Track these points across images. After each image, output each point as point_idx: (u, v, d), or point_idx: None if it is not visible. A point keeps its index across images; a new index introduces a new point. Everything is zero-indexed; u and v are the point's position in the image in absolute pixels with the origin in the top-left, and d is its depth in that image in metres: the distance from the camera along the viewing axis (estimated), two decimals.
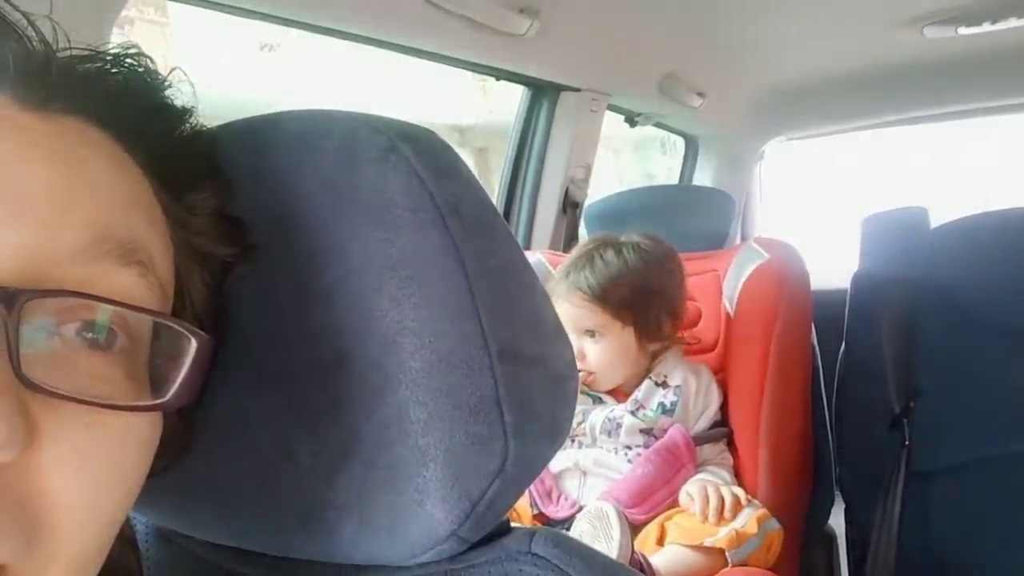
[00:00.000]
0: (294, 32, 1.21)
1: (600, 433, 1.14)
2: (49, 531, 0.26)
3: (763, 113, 2.23)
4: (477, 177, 0.39)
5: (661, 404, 1.16)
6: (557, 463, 1.14)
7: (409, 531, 0.35)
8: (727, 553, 1.00)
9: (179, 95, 0.35)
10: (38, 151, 0.27)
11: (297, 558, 0.38)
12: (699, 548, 1.00)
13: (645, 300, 1.16)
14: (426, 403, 0.33)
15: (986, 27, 1.59)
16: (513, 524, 0.41)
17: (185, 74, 0.35)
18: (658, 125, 2.15)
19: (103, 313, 0.28)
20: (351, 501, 0.35)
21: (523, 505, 1.12)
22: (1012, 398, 1.13)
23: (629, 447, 1.13)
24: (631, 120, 2.01)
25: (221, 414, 0.37)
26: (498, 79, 1.63)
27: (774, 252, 1.29)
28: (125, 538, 0.37)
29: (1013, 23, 1.58)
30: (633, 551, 0.96)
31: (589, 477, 1.13)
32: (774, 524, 1.06)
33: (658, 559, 0.99)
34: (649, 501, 1.08)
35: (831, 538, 1.35)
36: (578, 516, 1.02)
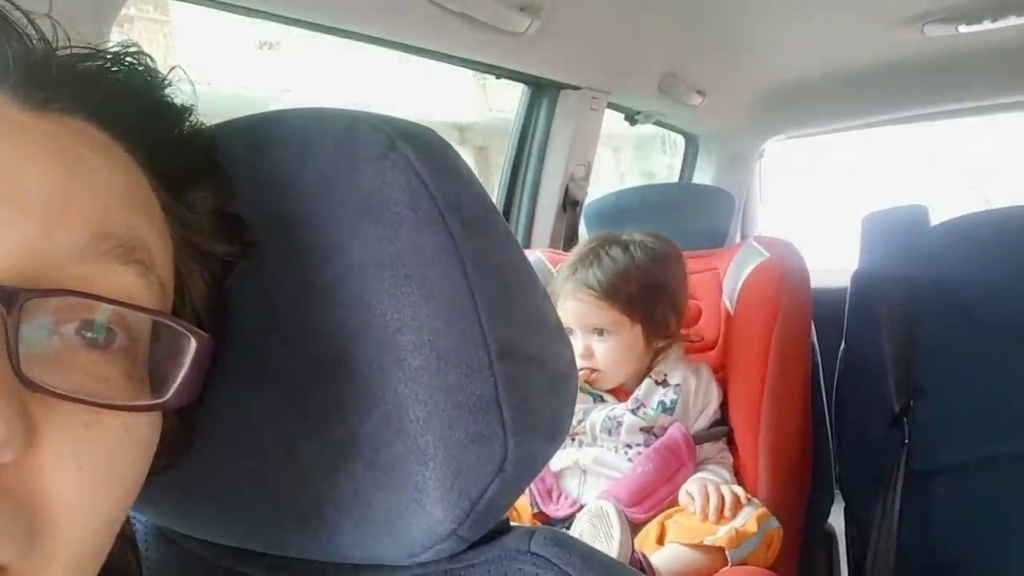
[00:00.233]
0: (294, 30, 1.20)
1: (600, 432, 1.14)
2: (48, 531, 0.26)
3: (763, 111, 2.23)
4: (477, 175, 0.39)
5: (661, 403, 1.16)
6: (557, 462, 1.14)
7: (409, 530, 0.35)
8: (727, 552, 1.00)
9: (179, 93, 0.35)
10: (38, 150, 0.27)
11: (297, 557, 0.38)
12: (699, 547, 1.01)
13: (653, 297, 1.16)
14: (425, 402, 0.33)
15: (986, 25, 1.59)
16: (513, 523, 0.41)
17: (185, 72, 0.35)
18: (658, 123, 2.14)
19: (102, 312, 0.28)
20: (351, 500, 0.35)
21: (523, 504, 1.12)
22: (1012, 396, 1.13)
23: (629, 446, 1.13)
24: (631, 118, 2.01)
25: (221, 413, 0.37)
26: (498, 77, 1.63)
27: (774, 250, 1.29)
28: (125, 537, 0.37)
29: (1013, 21, 1.57)
30: (633, 550, 0.96)
31: (589, 476, 1.13)
32: (774, 523, 1.06)
33: (658, 558, 0.99)
34: (649, 500, 1.08)
35: (831, 536, 1.35)
36: (578, 515, 1.02)
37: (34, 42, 0.30)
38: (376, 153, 0.35)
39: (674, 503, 1.09)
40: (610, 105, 1.82)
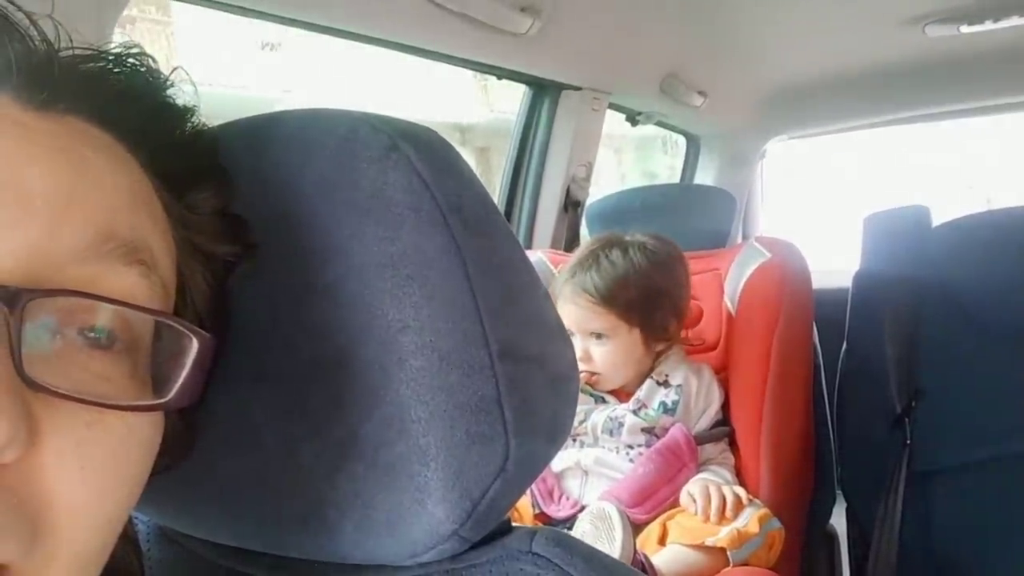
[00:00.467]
0: (295, 31, 1.21)
1: (602, 432, 1.14)
2: (50, 531, 0.26)
3: (765, 112, 2.22)
4: (478, 176, 0.39)
5: (663, 403, 1.16)
6: (559, 462, 1.14)
7: (410, 530, 0.35)
8: (728, 552, 1.00)
9: (181, 94, 0.35)
10: (40, 151, 0.27)
11: (298, 557, 0.38)
12: (700, 547, 1.00)
13: (652, 301, 1.16)
14: (427, 402, 0.33)
15: (988, 25, 1.59)
16: (514, 524, 0.41)
17: (187, 73, 0.35)
18: (660, 124, 2.14)
19: (105, 313, 0.28)
20: (352, 500, 0.35)
21: (524, 504, 1.11)
22: (1014, 397, 1.13)
23: (631, 446, 1.13)
24: (632, 119, 2.01)
25: (222, 413, 0.37)
26: (499, 78, 1.63)
27: (776, 251, 1.29)
28: (127, 538, 0.37)
29: (1015, 21, 1.57)
30: (635, 551, 0.96)
31: (591, 477, 1.13)
32: (776, 523, 1.06)
33: (659, 558, 0.99)
34: (651, 500, 1.08)
35: (832, 537, 1.35)
36: (580, 516, 1.02)
37: (36, 43, 0.30)
38: (377, 154, 0.35)
39: (675, 504, 1.09)
40: (611, 106, 1.82)
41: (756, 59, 1.92)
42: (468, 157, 0.39)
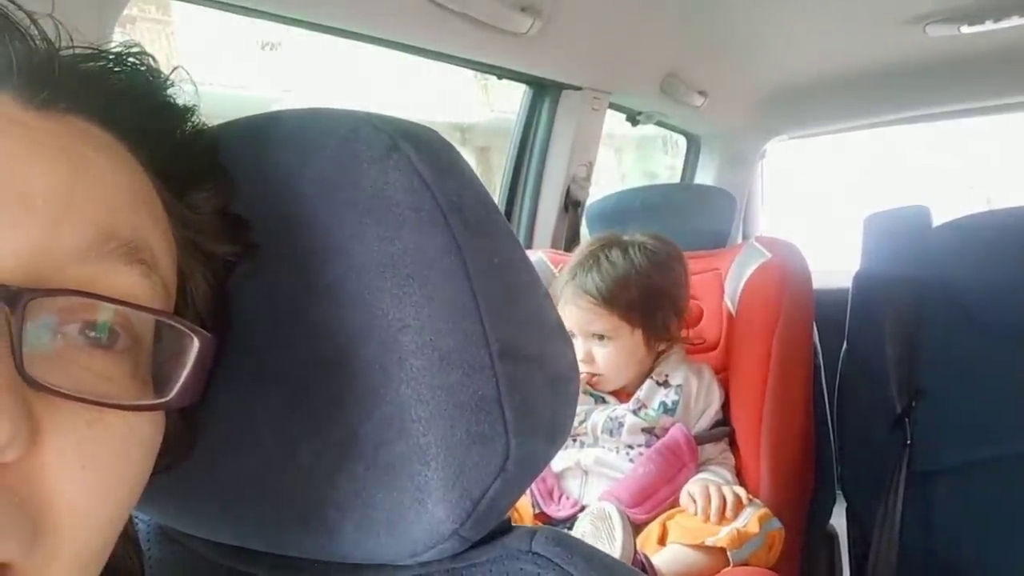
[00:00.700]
0: (295, 31, 1.21)
1: (602, 432, 1.14)
2: (51, 530, 0.26)
3: (765, 112, 2.23)
4: (478, 176, 0.39)
5: (663, 403, 1.16)
6: (559, 462, 1.14)
7: (410, 530, 0.35)
8: (728, 552, 1.00)
9: (181, 94, 0.35)
10: (41, 150, 0.27)
11: (299, 557, 0.38)
12: (700, 547, 1.00)
13: (653, 302, 1.15)
14: (427, 401, 0.33)
15: (988, 25, 1.59)
16: (514, 524, 0.41)
17: (187, 73, 0.35)
18: (660, 124, 2.15)
19: (106, 312, 0.28)
20: (352, 500, 0.35)
21: (524, 504, 1.11)
22: (1015, 397, 1.13)
23: (631, 446, 1.13)
24: (633, 119, 2.01)
25: (223, 412, 0.37)
26: (500, 78, 1.63)
27: (776, 251, 1.29)
28: (128, 537, 0.37)
29: (1016, 21, 1.57)
30: (635, 551, 0.96)
31: (591, 476, 1.13)
32: (776, 523, 1.06)
33: (659, 558, 0.99)
34: (651, 500, 1.08)
35: (833, 537, 1.35)
36: (580, 516, 1.02)
37: (37, 42, 0.30)
38: (378, 153, 0.35)
39: (675, 504, 1.09)
40: (612, 106, 1.82)
41: (756, 59, 1.92)
42: (468, 157, 0.39)
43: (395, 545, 0.35)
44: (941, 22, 1.62)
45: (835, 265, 1.87)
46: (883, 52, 1.86)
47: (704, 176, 2.42)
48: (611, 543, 0.93)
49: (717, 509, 1.04)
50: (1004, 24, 1.58)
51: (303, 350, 0.35)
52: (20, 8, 0.29)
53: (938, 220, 1.28)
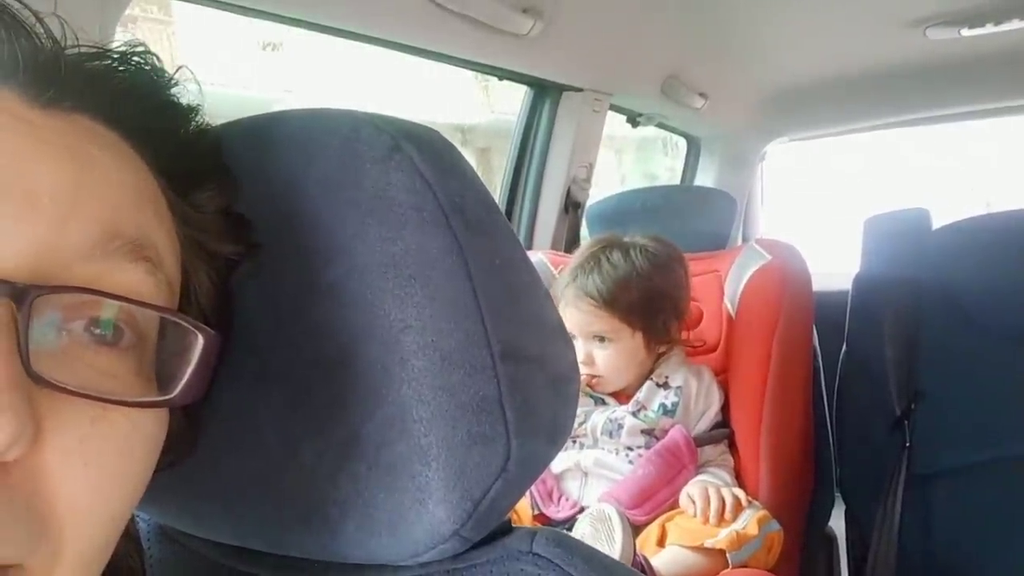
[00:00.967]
0: (296, 31, 1.21)
1: (601, 434, 1.14)
2: (54, 529, 0.26)
3: (765, 114, 2.23)
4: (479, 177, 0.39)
5: (662, 405, 1.16)
6: (558, 464, 1.14)
7: (411, 530, 0.35)
8: (728, 554, 1.00)
9: (185, 93, 0.35)
10: (47, 148, 0.27)
11: (300, 557, 0.38)
12: (700, 549, 1.00)
13: (653, 304, 1.15)
14: (428, 402, 0.33)
15: (989, 28, 1.59)
16: (514, 525, 0.41)
17: (191, 73, 0.35)
18: (660, 126, 2.15)
19: (111, 309, 0.28)
20: (353, 500, 0.35)
21: (523, 506, 1.11)
22: (1014, 400, 1.13)
23: (630, 448, 1.13)
24: (633, 120, 2.01)
25: (225, 412, 0.37)
26: (500, 79, 1.63)
27: (776, 253, 1.29)
28: (129, 536, 0.37)
29: (1016, 24, 1.58)
30: (635, 553, 0.96)
31: (590, 478, 1.13)
32: (775, 525, 1.06)
33: (659, 560, 0.99)
34: (650, 502, 1.08)
35: (831, 539, 1.35)
36: (580, 517, 1.02)
37: (43, 40, 0.30)
38: (380, 154, 0.35)
39: (675, 505, 1.09)
40: (612, 107, 1.82)
41: (757, 61, 1.92)
42: (469, 157, 0.39)
43: (396, 545, 0.35)
44: (942, 25, 1.62)
45: (835, 267, 1.87)
46: (884, 55, 1.86)
47: (704, 178, 2.42)
48: (611, 544, 0.93)
49: (716, 511, 1.04)
50: (1005, 27, 1.58)
51: (305, 350, 0.35)
52: (26, 7, 0.30)
53: (938, 223, 1.28)
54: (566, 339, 0.40)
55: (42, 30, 0.30)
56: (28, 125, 0.28)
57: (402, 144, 0.35)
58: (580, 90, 1.69)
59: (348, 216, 0.35)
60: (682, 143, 2.44)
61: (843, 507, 1.32)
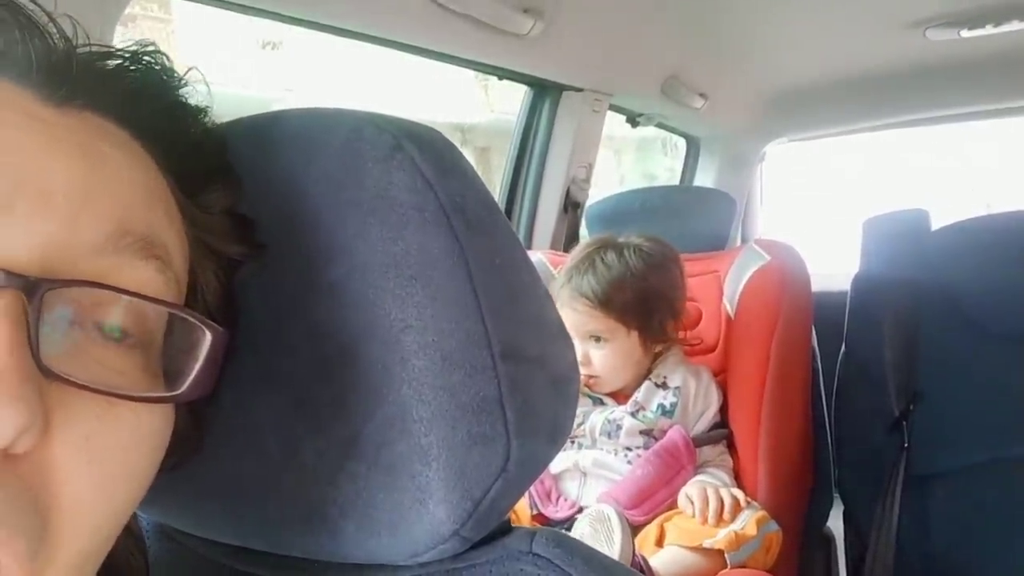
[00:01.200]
0: (296, 30, 1.21)
1: (600, 434, 1.14)
2: (55, 525, 0.26)
3: (765, 115, 2.23)
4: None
5: (661, 405, 1.16)
6: (557, 464, 1.14)
7: (411, 530, 0.35)
8: (726, 555, 1.00)
9: (194, 94, 0.36)
10: (60, 145, 0.28)
11: (299, 557, 0.38)
12: (698, 549, 1.01)
13: (648, 303, 1.15)
14: (429, 402, 0.33)
15: (988, 30, 1.59)
16: (513, 525, 0.41)
17: (201, 74, 0.36)
18: (660, 126, 2.15)
19: (120, 306, 0.29)
20: (353, 500, 0.35)
21: (522, 506, 1.12)
22: (1013, 401, 1.14)
23: (629, 448, 1.13)
24: (633, 120, 2.01)
25: (226, 412, 0.37)
26: (501, 78, 1.63)
27: (775, 254, 1.29)
28: (132, 535, 0.37)
29: (1016, 26, 1.58)
30: (634, 553, 0.96)
31: (589, 478, 1.13)
32: (773, 526, 1.07)
33: (657, 560, 0.99)
34: (648, 502, 1.08)
35: (829, 540, 1.35)
36: (579, 518, 1.02)
37: (55, 40, 0.30)
38: (382, 153, 0.35)
39: (673, 506, 1.09)
40: (612, 107, 1.82)
41: (757, 62, 1.92)
42: (469, 157, 0.39)
43: (396, 545, 0.35)
44: (941, 26, 1.62)
45: (834, 268, 1.87)
46: (883, 56, 1.86)
47: (704, 178, 2.42)
48: (610, 545, 0.93)
49: (715, 511, 1.04)
50: (1004, 28, 1.58)
51: (306, 349, 0.35)
52: (40, 7, 0.30)
53: (937, 224, 1.28)
54: (566, 339, 0.40)
55: (55, 30, 0.30)
56: (41, 123, 0.28)
57: (403, 144, 0.35)
58: (580, 90, 1.69)
59: (349, 215, 0.35)
60: (681, 143, 2.44)
61: (841, 508, 1.32)
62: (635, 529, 1.05)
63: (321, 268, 0.35)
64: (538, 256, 1.45)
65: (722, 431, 1.22)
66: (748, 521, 1.04)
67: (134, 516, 0.36)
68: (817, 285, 1.30)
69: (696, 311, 1.34)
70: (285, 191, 0.36)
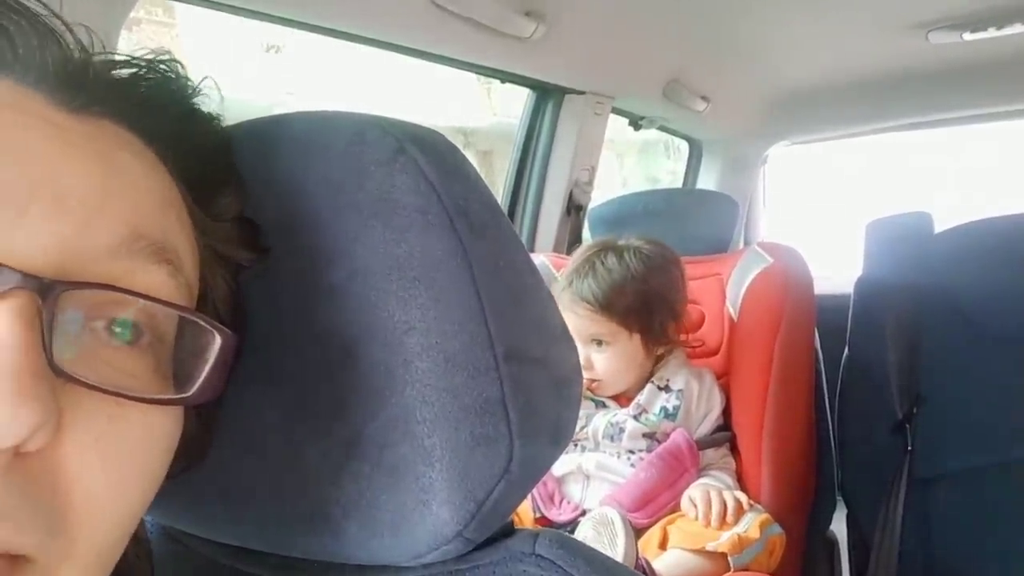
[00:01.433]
0: (298, 33, 1.21)
1: (603, 437, 1.14)
2: (68, 524, 0.26)
3: (767, 117, 2.23)
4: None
5: (663, 408, 1.16)
6: (560, 466, 1.14)
7: (414, 531, 0.35)
8: (729, 558, 1.00)
9: (207, 102, 0.36)
10: (76, 151, 0.28)
11: (301, 557, 0.39)
12: (701, 552, 1.00)
13: (649, 306, 1.15)
14: (432, 403, 0.34)
15: (991, 32, 1.59)
16: (516, 527, 0.41)
17: (215, 83, 0.36)
18: (662, 129, 2.15)
19: (133, 308, 0.29)
20: (356, 501, 0.35)
21: (524, 508, 1.11)
22: (1015, 403, 1.13)
23: (632, 451, 1.13)
24: (635, 123, 2.01)
25: (229, 414, 0.37)
26: (503, 82, 1.63)
27: (778, 256, 1.29)
28: (136, 536, 0.37)
29: (1018, 28, 1.58)
30: (637, 556, 0.96)
31: (592, 481, 1.13)
32: (776, 529, 1.06)
33: (660, 563, 0.99)
34: (652, 505, 1.08)
35: (833, 543, 1.35)
36: (582, 521, 1.02)
37: (72, 47, 0.30)
38: (385, 156, 0.35)
39: (676, 508, 1.09)
40: (614, 110, 1.82)
41: (759, 64, 1.92)
42: (471, 160, 0.39)
43: (399, 546, 0.35)
44: (944, 29, 1.62)
45: (837, 271, 1.87)
46: (886, 59, 1.86)
47: (706, 181, 2.42)
48: (613, 548, 0.93)
49: (718, 514, 1.04)
50: (1007, 31, 1.58)
51: (309, 351, 0.35)
52: (56, 16, 0.30)
53: (940, 227, 1.28)
54: (569, 341, 0.40)
55: (72, 39, 0.30)
56: (57, 128, 0.28)
57: (406, 147, 0.35)
58: (582, 93, 1.69)
59: (352, 218, 0.35)
60: (684, 146, 2.44)
61: (844, 511, 1.32)
62: (638, 532, 1.05)
63: (323, 270, 0.35)
64: (541, 259, 1.45)
65: (725, 434, 1.21)
66: (751, 524, 1.04)
67: (142, 524, 0.36)
68: (820, 288, 1.30)
69: (699, 314, 1.34)
70: (288, 194, 0.36)
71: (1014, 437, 1.13)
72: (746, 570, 1.01)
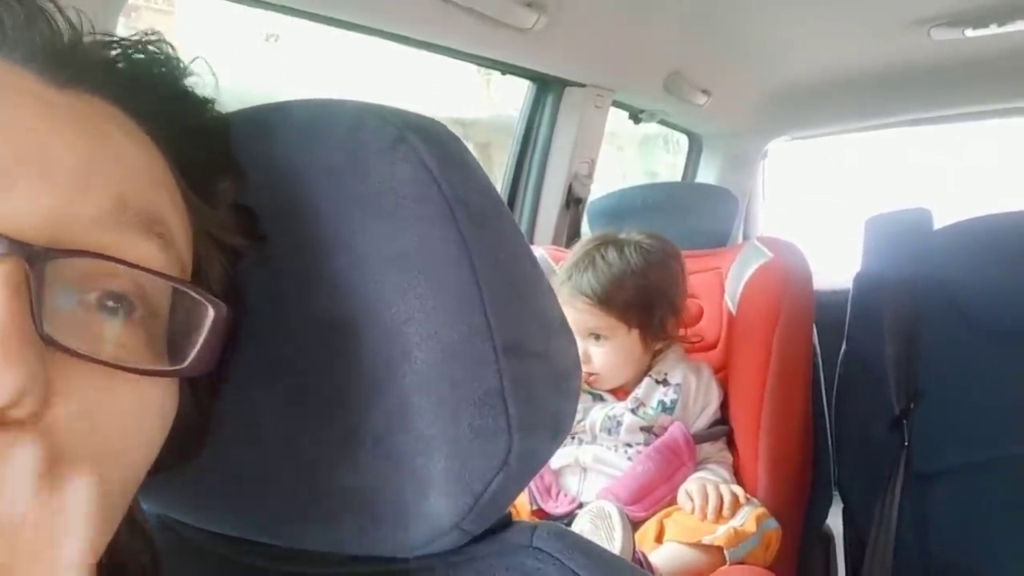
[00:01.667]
0: (297, 22, 1.20)
1: (600, 430, 1.14)
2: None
3: (768, 112, 2.22)
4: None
5: (661, 402, 1.16)
6: (557, 459, 1.14)
7: (412, 522, 0.34)
8: (725, 551, 1.00)
9: (200, 85, 0.36)
10: (64, 124, 0.28)
11: (300, 548, 0.38)
12: (697, 546, 1.01)
13: (649, 301, 1.15)
14: (431, 395, 0.33)
15: (993, 29, 1.59)
16: (514, 519, 0.41)
17: (208, 65, 0.36)
18: (662, 122, 2.14)
19: (123, 280, 0.29)
20: (354, 491, 0.35)
21: (521, 501, 1.12)
22: (1013, 400, 1.13)
23: (629, 444, 1.13)
24: (635, 117, 2.01)
25: (228, 403, 0.37)
26: (503, 73, 1.62)
27: (777, 251, 1.29)
28: (138, 526, 0.37)
29: (1020, 25, 1.57)
30: (634, 549, 0.96)
31: (589, 474, 1.13)
32: (773, 523, 1.07)
33: (657, 556, 0.99)
34: (648, 499, 1.08)
35: (829, 538, 1.35)
36: (579, 514, 1.02)
37: (61, 26, 0.30)
38: (385, 145, 0.35)
39: (673, 502, 1.09)
40: (614, 103, 1.82)
41: (760, 59, 1.92)
42: None
43: (396, 537, 0.35)
44: (945, 25, 1.61)
45: (836, 266, 1.87)
46: (887, 54, 1.86)
47: (706, 175, 2.42)
48: (610, 541, 0.93)
49: (714, 508, 1.04)
50: (1008, 28, 1.58)
51: (307, 341, 0.35)
52: None
53: (939, 223, 1.28)
54: (569, 335, 0.40)
55: (62, 18, 0.31)
56: (45, 104, 0.28)
57: (407, 135, 0.35)
58: (583, 86, 1.69)
59: (352, 207, 0.34)
60: (684, 140, 2.44)
61: (841, 505, 1.32)
62: (635, 525, 1.05)
63: (322, 259, 0.35)
64: (540, 251, 1.45)
65: (722, 428, 1.22)
66: (747, 518, 1.04)
67: (143, 515, 0.36)
68: (818, 283, 1.30)
69: (697, 308, 1.34)
70: (287, 182, 0.36)
71: (1011, 433, 1.14)
72: (742, 564, 1.01)
